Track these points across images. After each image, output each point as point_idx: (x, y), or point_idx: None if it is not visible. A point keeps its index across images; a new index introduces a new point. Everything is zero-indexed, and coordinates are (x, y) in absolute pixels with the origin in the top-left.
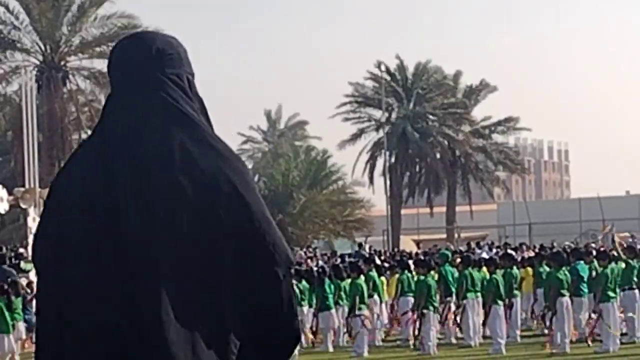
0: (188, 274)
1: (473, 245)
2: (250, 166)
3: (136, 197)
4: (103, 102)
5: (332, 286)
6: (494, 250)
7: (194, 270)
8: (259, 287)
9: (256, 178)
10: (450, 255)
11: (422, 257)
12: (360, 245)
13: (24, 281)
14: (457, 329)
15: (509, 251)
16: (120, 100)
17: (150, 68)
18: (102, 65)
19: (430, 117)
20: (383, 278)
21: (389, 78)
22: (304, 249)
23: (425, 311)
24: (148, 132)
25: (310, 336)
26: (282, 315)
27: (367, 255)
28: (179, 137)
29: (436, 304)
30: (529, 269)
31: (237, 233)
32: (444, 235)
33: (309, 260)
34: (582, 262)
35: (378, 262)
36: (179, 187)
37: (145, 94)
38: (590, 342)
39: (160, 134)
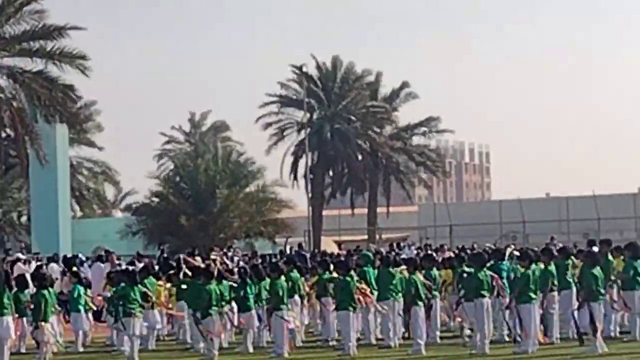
0: None
1: (397, 246)
2: (172, 166)
3: None
4: (24, 101)
5: (253, 287)
6: (414, 252)
7: None
8: None
9: (178, 178)
10: (371, 256)
11: (342, 258)
12: (300, 245)
13: None
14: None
15: (430, 252)
16: None
17: None
18: (23, 63)
19: (352, 118)
20: (303, 279)
21: (307, 80)
22: (225, 249)
23: (344, 312)
24: None
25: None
26: None
27: (308, 255)
28: None
29: (355, 305)
30: (449, 271)
31: None
32: (366, 237)
33: (228, 261)
34: (503, 262)
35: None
36: None
37: None
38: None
39: None
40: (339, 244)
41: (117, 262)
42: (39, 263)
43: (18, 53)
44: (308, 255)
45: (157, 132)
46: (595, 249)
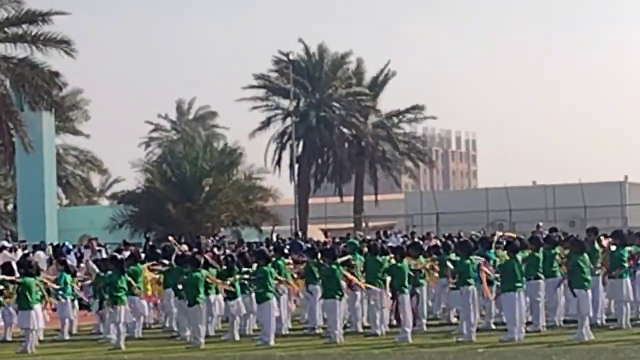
0: None
1: (384, 234)
2: (159, 154)
3: None
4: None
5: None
6: (401, 240)
7: None
8: None
9: (165, 166)
10: (358, 244)
11: (328, 246)
12: (297, 234)
13: None
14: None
15: (416, 240)
16: None
17: None
18: (8, 50)
19: (337, 105)
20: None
21: (293, 67)
22: (211, 237)
23: (331, 300)
24: None
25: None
26: None
27: (305, 245)
28: None
29: (341, 293)
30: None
31: None
32: (352, 225)
33: (215, 249)
34: (491, 251)
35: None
36: None
37: None
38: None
39: None
40: (325, 232)
41: (97, 248)
42: (26, 251)
43: (2, 39)
44: (306, 245)
45: (144, 121)
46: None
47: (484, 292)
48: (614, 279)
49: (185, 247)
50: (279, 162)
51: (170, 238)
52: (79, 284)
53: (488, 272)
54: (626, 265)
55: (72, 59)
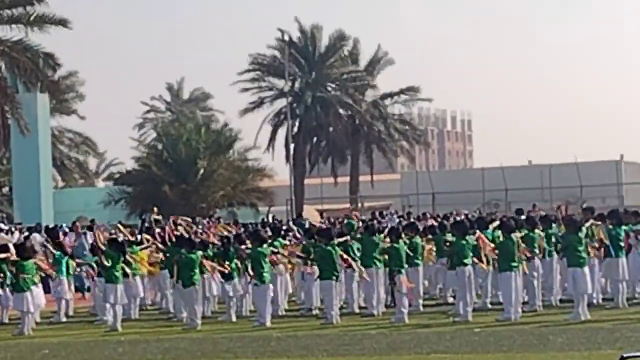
0: None
1: (380, 214)
2: (153, 135)
3: None
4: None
5: (235, 256)
6: (397, 220)
7: None
8: None
9: (160, 147)
10: (355, 224)
11: (324, 227)
12: (300, 214)
13: None
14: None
15: (412, 220)
16: None
17: None
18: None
19: (333, 85)
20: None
21: (290, 47)
22: (207, 219)
23: (327, 281)
24: None
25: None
26: None
27: (307, 226)
28: None
29: (338, 273)
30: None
31: None
32: (348, 205)
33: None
34: (487, 231)
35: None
36: None
37: None
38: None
39: None
40: (321, 212)
41: (81, 231)
42: (26, 234)
43: None
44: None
45: (139, 102)
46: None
47: (481, 263)
48: (610, 259)
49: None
50: (273, 143)
51: (155, 209)
52: (78, 269)
53: (488, 244)
54: (622, 244)
55: (66, 41)
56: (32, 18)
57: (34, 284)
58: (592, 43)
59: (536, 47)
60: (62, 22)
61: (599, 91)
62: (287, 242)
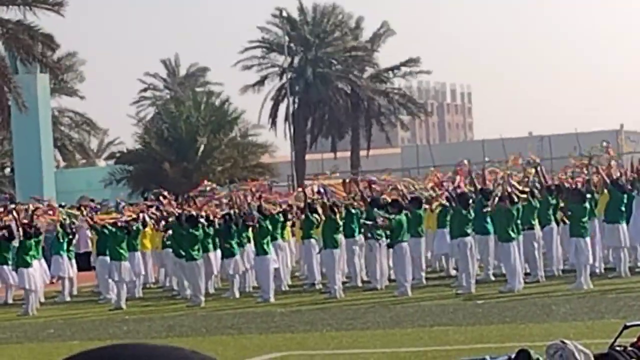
0: None
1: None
2: (152, 113)
3: None
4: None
5: (237, 232)
6: None
7: None
8: None
9: (160, 124)
10: None
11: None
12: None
13: None
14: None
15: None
16: None
17: None
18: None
19: (333, 61)
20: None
21: (289, 24)
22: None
23: (329, 250)
24: None
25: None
26: None
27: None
28: None
29: (338, 244)
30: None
31: None
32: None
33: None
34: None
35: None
36: None
37: None
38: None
39: None
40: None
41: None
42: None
43: None
44: None
45: (136, 79)
46: None
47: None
48: (612, 224)
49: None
50: (275, 119)
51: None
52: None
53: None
54: (623, 209)
55: (65, 20)
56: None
57: (37, 259)
58: (591, 13)
59: (535, 18)
60: (58, 4)
61: (597, 61)
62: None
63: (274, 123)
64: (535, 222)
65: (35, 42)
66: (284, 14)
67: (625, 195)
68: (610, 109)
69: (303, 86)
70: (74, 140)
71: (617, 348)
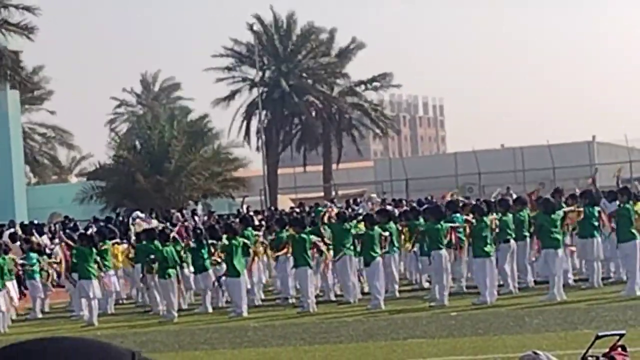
0: None
1: (354, 201)
2: (126, 129)
3: None
4: None
5: (209, 247)
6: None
7: None
8: None
9: (133, 138)
10: (323, 210)
11: (297, 216)
12: (301, 203)
13: None
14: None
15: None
16: None
17: None
18: None
19: (305, 74)
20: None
21: (262, 35)
22: (181, 211)
23: (302, 268)
24: None
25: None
26: None
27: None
28: None
29: (310, 261)
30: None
31: None
32: (322, 194)
33: (186, 222)
34: (458, 214)
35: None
36: None
37: None
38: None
39: None
40: (300, 203)
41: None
42: (12, 230)
43: None
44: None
45: (109, 97)
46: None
47: (458, 253)
48: (585, 239)
49: (155, 221)
50: (248, 133)
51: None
52: (55, 265)
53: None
54: (596, 223)
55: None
56: None
57: (10, 280)
58: (563, 26)
59: (506, 30)
60: (29, 29)
61: (569, 73)
62: (259, 233)
63: (247, 136)
64: (512, 236)
65: (4, 60)
66: (255, 28)
67: (597, 209)
68: (583, 120)
69: (275, 99)
70: (45, 156)
71: (589, 358)
